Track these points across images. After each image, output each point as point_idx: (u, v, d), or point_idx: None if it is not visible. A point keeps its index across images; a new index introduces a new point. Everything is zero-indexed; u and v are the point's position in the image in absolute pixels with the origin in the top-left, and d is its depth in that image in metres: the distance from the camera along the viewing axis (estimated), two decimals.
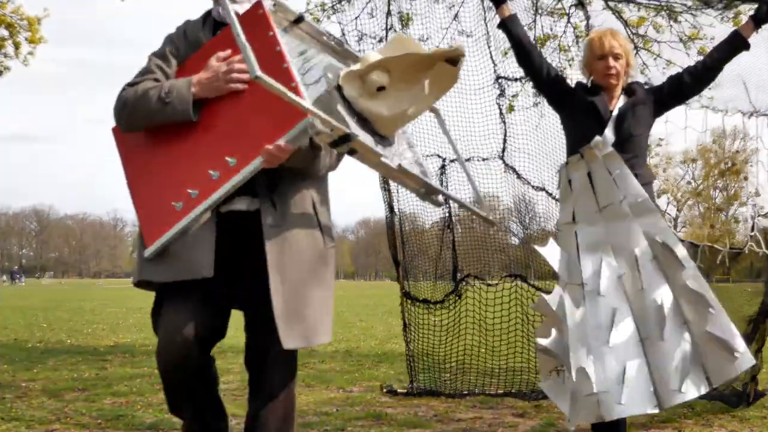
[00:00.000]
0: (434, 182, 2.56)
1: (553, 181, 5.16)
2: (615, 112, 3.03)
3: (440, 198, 2.58)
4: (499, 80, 5.45)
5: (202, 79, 2.25)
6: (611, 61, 3.02)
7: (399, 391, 5.23)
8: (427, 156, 5.22)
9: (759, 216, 5.22)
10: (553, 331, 2.96)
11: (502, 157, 5.33)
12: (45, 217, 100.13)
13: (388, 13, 7.67)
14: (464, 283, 5.33)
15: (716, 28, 5.60)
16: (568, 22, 5.89)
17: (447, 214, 5.42)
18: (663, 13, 5.77)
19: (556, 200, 5.14)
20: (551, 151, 5.15)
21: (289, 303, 2.27)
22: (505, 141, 5.36)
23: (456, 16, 5.64)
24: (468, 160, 5.18)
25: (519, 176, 5.29)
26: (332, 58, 2.38)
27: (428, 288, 5.54)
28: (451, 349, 5.36)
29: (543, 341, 2.94)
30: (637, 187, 2.95)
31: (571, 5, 5.85)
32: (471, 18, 5.52)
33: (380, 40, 8.12)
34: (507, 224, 6.03)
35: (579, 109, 3.08)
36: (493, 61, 5.41)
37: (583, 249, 2.97)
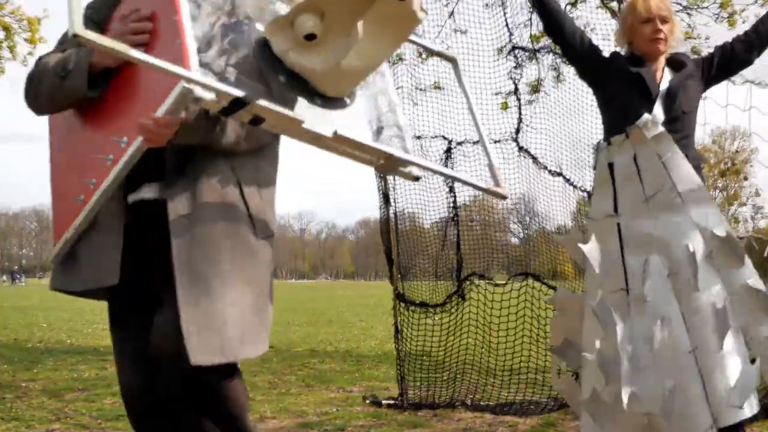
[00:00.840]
0: (408, 154, 2.01)
1: (572, 165, 4.68)
2: (664, 86, 2.70)
3: (415, 171, 2.03)
4: (515, 51, 4.88)
5: None
6: (659, 24, 2.68)
7: (384, 402, 4.74)
8: (432, 137, 4.71)
9: None
10: (597, 342, 2.61)
11: (515, 139, 4.69)
12: (45, 217, 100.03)
13: None
14: (468, 283, 4.79)
15: (711, 28, 5.57)
16: None
17: (451, 205, 4.81)
18: None
19: (574, 187, 4.73)
20: (573, 131, 4.58)
21: (201, 308, 1.82)
22: (519, 120, 4.72)
23: (452, 14, 5.61)
24: (476, 143, 4.55)
25: (534, 160, 4.67)
26: (277, 3, 1.94)
27: (427, 288, 5.10)
28: (449, 355, 4.98)
29: (589, 356, 2.59)
30: (691, 173, 2.61)
31: (567, 4, 5.84)
32: (466, 15, 5.43)
33: None
34: (511, 218, 5.55)
35: (621, 83, 2.72)
36: (509, 29, 4.90)
37: (628, 246, 2.62)
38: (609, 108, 2.81)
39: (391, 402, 4.73)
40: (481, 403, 4.70)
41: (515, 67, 4.91)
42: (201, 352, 1.79)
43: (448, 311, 4.82)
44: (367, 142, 1.91)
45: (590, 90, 3.01)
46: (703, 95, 2.93)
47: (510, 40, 4.94)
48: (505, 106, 4.99)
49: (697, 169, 2.68)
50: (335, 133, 1.80)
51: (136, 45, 1.72)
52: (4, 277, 64.41)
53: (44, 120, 2.17)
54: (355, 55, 1.80)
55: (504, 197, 2.14)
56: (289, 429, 4.14)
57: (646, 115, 2.63)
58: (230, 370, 1.92)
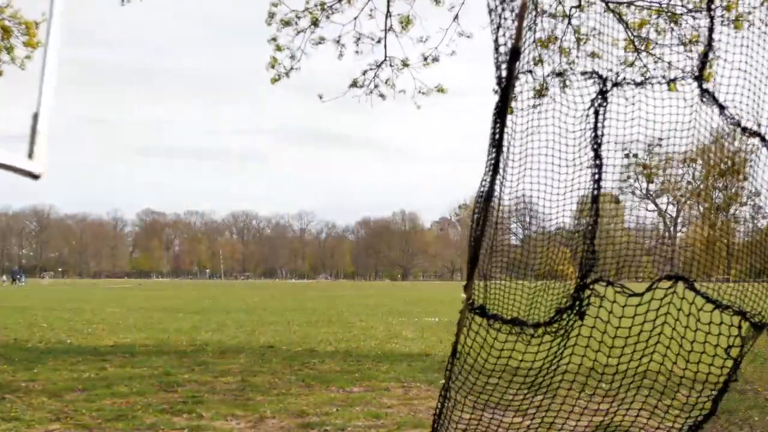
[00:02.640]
0: None
1: None
2: None
3: None
4: None
5: None
6: None
7: None
8: (583, 74, 3.13)
9: None
10: None
11: (698, 77, 3.19)
12: (45, 217, 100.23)
13: (387, 14, 7.70)
14: (588, 292, 3.04)
15: (716, 31, 5.56)
16: (569, 24, 5.89)
17: (596, 175, 3.05)
18: (664, 15, 5.77)
19: None
20: None
21: None
22: (708, 48, 3.25)
23: (456, 17, 5.63)
24: (639, 84, 3.13)
25: (723, 110, 3.20)
26: None
27: (525, 296, 3.37)
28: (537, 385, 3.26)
29: None
30: None
31: (572, 7, 5.85)
32: (472, 18, 5.45)
33: (378, 41, 8.14)
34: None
35: None
36: None
37: None
38: None
39: None
40: None
41: None
42: None
43: (551, 333, 3.26)
44: None
45: None
46: None
47: None
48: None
49: None
50: None
51: None
52: (4, 277, 64.39)
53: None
54: None
55: (35, 177, 1.33)
56: (289, 429, 4.14)
57: None
58: None
